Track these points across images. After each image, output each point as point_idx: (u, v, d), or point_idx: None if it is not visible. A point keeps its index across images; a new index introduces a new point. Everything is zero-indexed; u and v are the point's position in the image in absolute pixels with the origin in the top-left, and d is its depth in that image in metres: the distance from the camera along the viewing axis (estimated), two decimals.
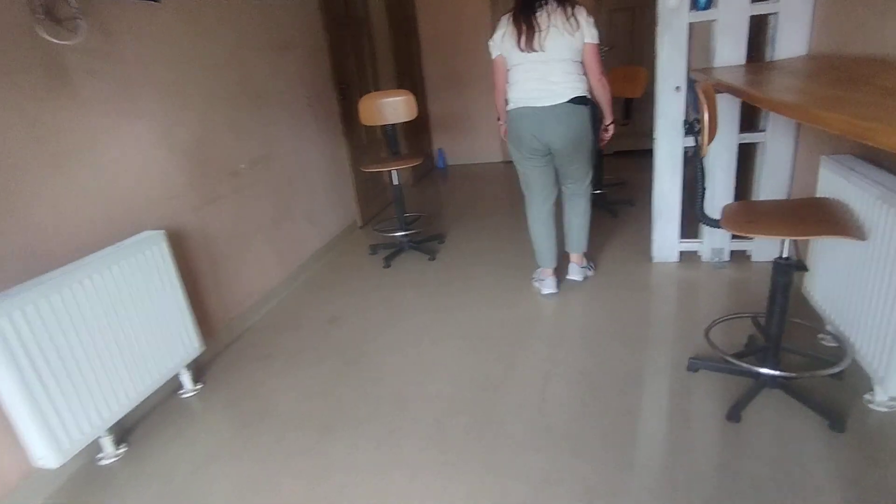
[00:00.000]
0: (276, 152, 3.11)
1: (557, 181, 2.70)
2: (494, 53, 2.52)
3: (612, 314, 2.48)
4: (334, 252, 3.71)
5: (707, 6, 2.40)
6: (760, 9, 2.36)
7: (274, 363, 2.42)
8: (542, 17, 2.31)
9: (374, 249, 3.62)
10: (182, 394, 2.26)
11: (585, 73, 2.41)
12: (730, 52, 2.44)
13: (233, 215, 2.71)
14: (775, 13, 2.35)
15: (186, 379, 2.25)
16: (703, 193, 1.75)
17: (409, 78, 5.25)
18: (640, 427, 1.76)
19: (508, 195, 4.69)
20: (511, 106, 2.50)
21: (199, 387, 2.29)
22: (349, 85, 3.97)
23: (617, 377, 2.03)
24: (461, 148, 6.03)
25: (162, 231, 2.11)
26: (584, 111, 2.41)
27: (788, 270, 1.68)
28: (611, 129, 2.66)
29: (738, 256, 2.86)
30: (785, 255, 1.68)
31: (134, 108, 2.13)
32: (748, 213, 1.67)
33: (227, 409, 2.14)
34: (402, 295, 2.95)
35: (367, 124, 3.40)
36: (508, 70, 2.49)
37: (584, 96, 2.40)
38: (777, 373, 1.76)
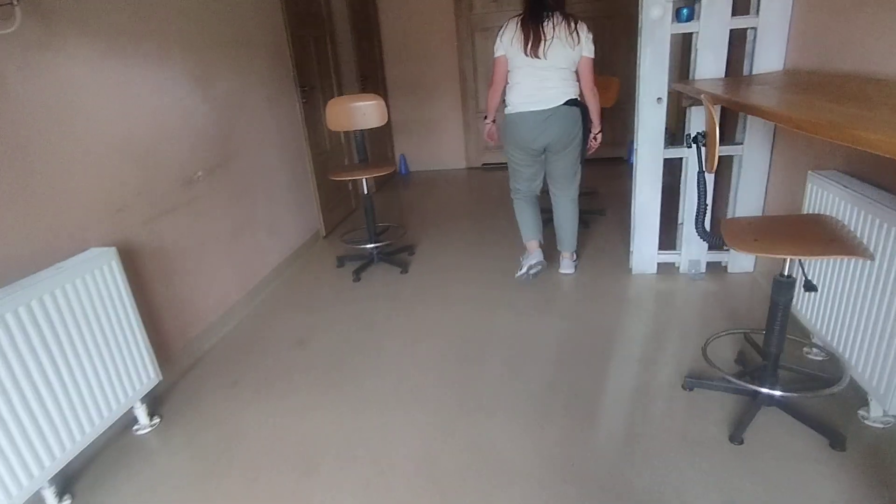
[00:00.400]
0: (235, 158, 2.88)
1: (542, 173, 2.93)
2: (499, 53, 2.68)
3: (598, 331, 2.42)
4: (297, 265, 3.49)
5: (689, 18, 2.39)
6: (740, 23, 2.37)
7: (241, 392, 2.20)
8: (548, 27, 2.51)
9: (340, 262, 3.43)
10: (137, 430, 2.00)
11: (578, 81, 2.64)
12: (710, 65, 2.44)
13: (188, 228, 2.47)
14: (754, 27, 2.37)
15: (141, 413, 2.00)
16: (706, 210, 1.71)
17: (372, 82, 5.08)
18: (643, 452, 1.68)
19: (475, 203, 4.60)
20: (511, 110, 2.69)
21: (155, 421, 2.04)
22: (312, 87, 3.76)
23: (612, 398, 1.95)
24: (424, 154, 5.90)
25: (112, 248, 1.86)
26: (576, 112, 2.65)
27: (791, 289, 1.65)
28: (599, 137, 2.85)
29: (714, 267, 2.88)
30: (787, 274, 1.65)
31: (76, 108, 1.88)
32: (749, 230, 1.63)
33: (189, 448, 1.91)
34: (376, 312, 2.79)
35: (336, 130, 3.21)
36: (509, 71, 2.66)
37: (576, 99, 2.64)
38: (780, 393, 1.74)
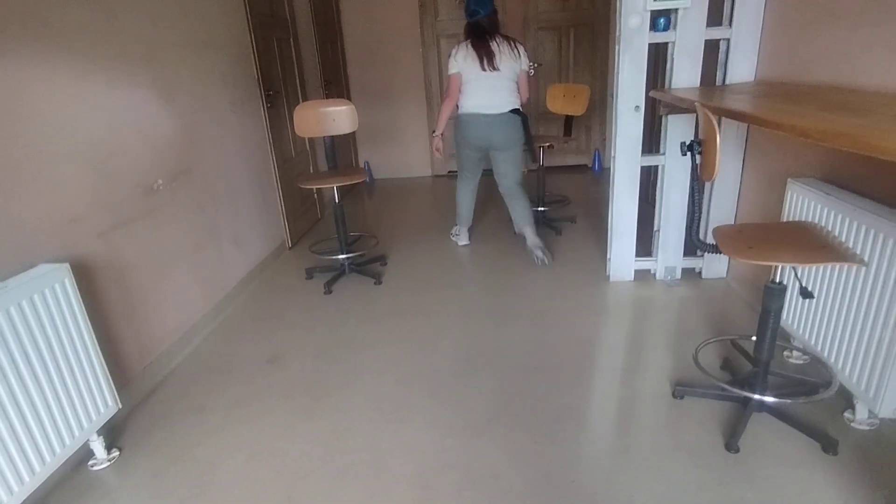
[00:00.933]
0: (198, 165, 2.70)
1: (481, 168, 3.46)
2: (453, 70, 3.12)
3: (582, 341, 2.39)
4: (264, 277, 3.32)
5: (666, 28, 2.42)
6: (715, 34, 2.41)
7: (210, 417, 2.03)
8: (494, 46, 3.05)
9: (309, 273, 3.28)
10: (93, 466, 1.81)
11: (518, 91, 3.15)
12: (686, 74, 2.47)
13: (148, 240, 2.28)
14: (727, 38, 2.42)
15: (98, 446, 1.81)
16: (700, 219, 1.70)
17: (336, 87, 4.95)
18: (640, 464, 1.65)
19: (444, 211, 4.53)
20: (464, 111, 3.15)
21: (114, 455, 1.85)
22: (276, 92, 3.60)
23: (604, 410, 1.92)
24: (389, 161, 5.79)
25: (65, 265, 1.67)
26: (517, 119, 3.15)
27: (782, 295, 1.66)
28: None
29: (689, 273, 2.92)
30: (778, 280, 1.66)
31: (23, 112, 1.69)
32: (741, 238, 1.63)
33: (153, 484, 1.73)
34: (351, 326, 2.66)
35: (304, 136, 3.08)
36: (463, 84, 3.12)
37: (518, 109, 3.15)
38: (774, 399, 1.74)
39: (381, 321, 2.68)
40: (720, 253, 1.63)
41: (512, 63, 3.05)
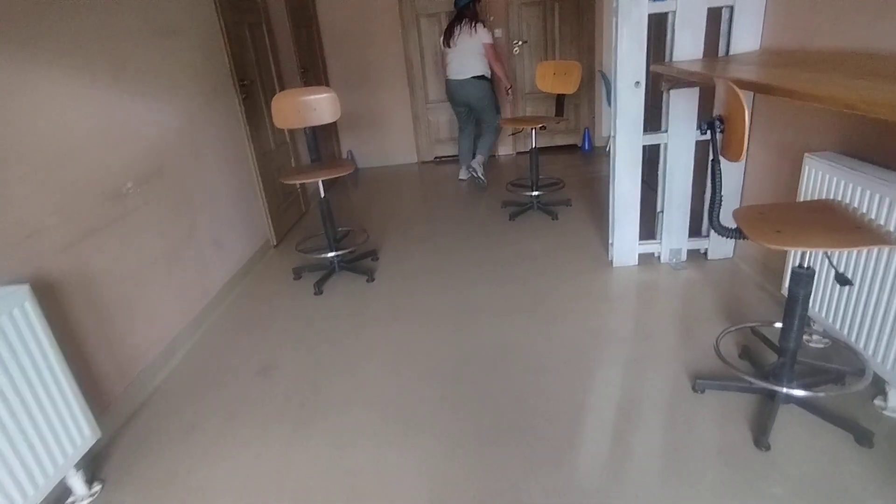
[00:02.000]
0: (171, 164, 2.50)
1: (471, 119, 4.51)
2: (441, 45, 4.30)
3: (590, 332, 2.28)
4: (249, 280, 3.14)
5: None
6: (718, 1, 2.27)
7: (200, 438, 1.88)
8: (456, 28, 4.08)
9: (297, 273, 3.11)
10: (73, 503, 1.65)
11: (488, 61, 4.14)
12: (688, 46, 2.33)
13: (120, 249, 2.10)
14: (730, 6, 2.28)
15: (77, 481, 1.65)
16: (721, 202, 1.57)
17: (314, 73, 4.72)
18: (669, 466, 1.54)
19: (433, 199, 4.37)
20: (446, 78, 4.27)
21: (96, 489, 1.69)
22: (251, 81, 3.39)
23: (623, 408, 1.80)
24: (372, 149, 5.59)
25: (25, 286, 1.50)
26: (482, 83, 4.18)
27: (811, 281, 1.55)
28: (510, 92, 4.48)
29: (694, 255, 2.81)
30: (806, 265, 1.55)
31: None
32: (766, 221, 1.51)
33: None
34: (346, 328, 2.52)
35: (283, 127, 2.89)
36: (443, 57, 4.28)
37: (482, 75, 4.15)
38: (804, 393, 1.64)
39: (378, 321, 2.54)
40: (744, 238, 1.51)
41: (468, 39, 4.03)
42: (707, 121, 1.47)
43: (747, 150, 1.32)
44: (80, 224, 1.89)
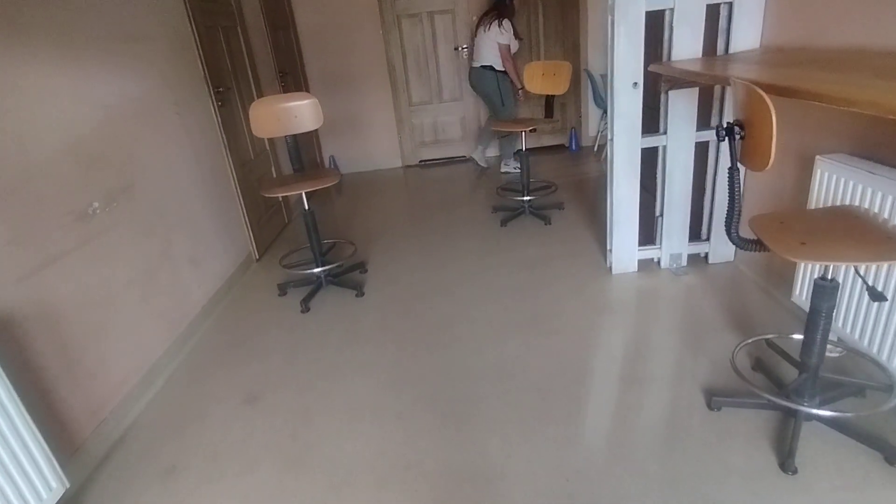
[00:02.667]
0: (142, 180, 2.33)
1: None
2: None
3: (595, 347, 2.17)
4: (231, 298, 2.97)
5: None
6: None
7: (182, 480, 1.73)
8: (486, 19, 4.30)
9: (282, 290, 2.95)
10: None
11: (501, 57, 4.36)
12: (687, 44, 2.24)
13: (87, 276, 1.93)
14: (730, 2, 2.19)
15: None
16: (740, 212, 1.47)
17: (293, 78, 4.55)
18: (692, 492, 1.44)
19: (420, 206, 4.24)
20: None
21: None
22: (227, 88, 3.22)
23: (638, 429, 1.70)
24: (355, 154, 5.43)
25: None
26: (490, 73, 4.39)
27: (835, 294, 1.46)
28: (521, 93, 4.51)
29: (694, 259, 2.73)
30: (830, 277, 1.46)
31: None
32: (788, 231, 1.41)
33: None
34: (337, 347, 2.37)
35: (262, 136, 2.73)
36: None
37: (491, 66, 4.36)
38: (831, 413, 1.55)
39: (371, 340, 2.40)
40: (766, 251, 1.41)
41: (488, 32, 4.26)
42: (726, 126, 1.37)
43: (773, 156, 1.21)
44: (39, 251, 1.72)
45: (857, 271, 1.62)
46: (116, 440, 1.94)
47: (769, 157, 1.22)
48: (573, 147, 5.33)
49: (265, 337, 2.53)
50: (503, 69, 4.36)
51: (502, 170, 4.84)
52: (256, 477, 1.70)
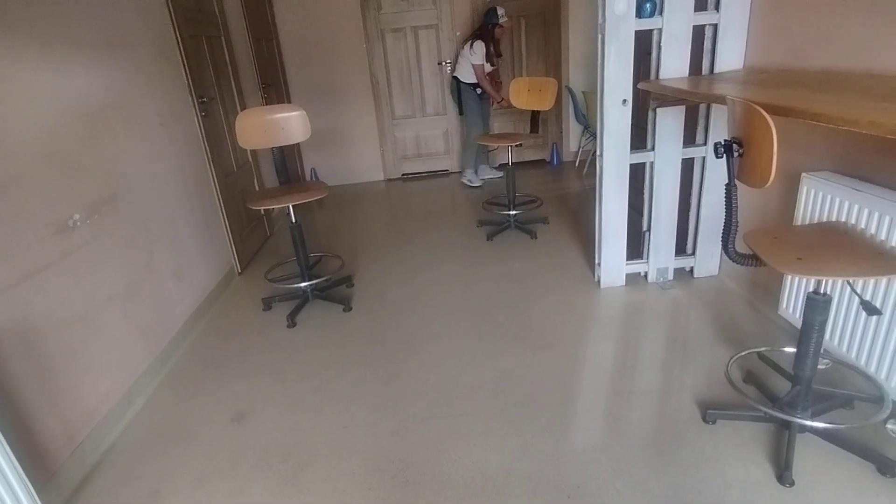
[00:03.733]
0: (125, 192, 2.25)
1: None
2: None
3: (587, 361, 2.18)
4: (214, 312, 2.89)
5: (652, 13, 2.23)
6: (703, 19, 2.25)
7: None
8: (468, 41, 4.52)
9: (267, 304, 2.88)
10: None
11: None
12: (675, 63, 2.30)
13: (67, 290, 1.85)
14: (715, 24, 2.26)
15: None
16: (736, 228, 1.50)
17: (276, 89, 4.50)
18: None
19: (404, 219, 4.22)
20: None
21: None
22: (211, 98, 3.16)
23: (634, 444, 1.70)
24: (337, 167, 5.39)
25: None
26: (455, 83, 4.67)
27: (827, 308, 1.50)
28: (500, 104, 4.72)
29: (680, 273, 2.77)
30: (822, 291, 1.49)
31: None
32: (782, 246, 1.45)
33: None
34: (325, 363, 2.32)
35: (248, 147, 2.68)
36: None
37: (457, 77, 4.63)
38: (825, 425, 1.58)
39: (361, 355, 2.35)
40: (762, 265, 1.44)
41: (464, 52, 4.53)
42: (724, 143, 1.40)
43: (773, 174, 1.24)
44: (16, 265, 1.64)
45: (850, 286, 1.66)
46: (95, 463, 1.85)
47: (769, 175, 1.25)
48: (554, 162, 5.40)
49: (251, 353, 2.46)
50: (469, 82, 4.56)
51: (464, 180, 4.95)
52: (248, 499, 1.64)
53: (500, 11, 4.38)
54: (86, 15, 2.12)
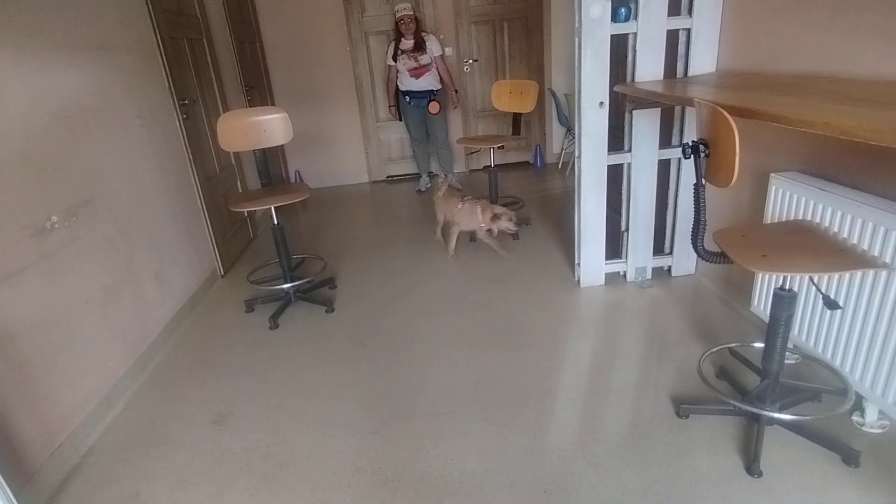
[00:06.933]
0: (104, 194, 2.25)
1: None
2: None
3: (565, 359, 2.21)
4: (196, 315, 2.88)
5: (627, 18, 2.27)
6: (676, 23, 2.30)
7: None
8: None
9: (249, 306, 2.88)
10: None
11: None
12: (649, 66, 2.35)
13: (44, 292, 1.84)
14: (688, 29, 2.32)
15: None
16: (705, 226, 1.54)
17: (259, 92, 4.50)
18: (665, 500, 1.48)
19: (388, 221, 4.24)
20: None
21: None
22: (192, 101, 3.15)
23: (609, 438, 1.73)
24: (321, 169, 5.39)
25: None
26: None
27: (793, 303, 1.54)
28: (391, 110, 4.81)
29: (658, 272, 2.82)
30: (787, 287, 1.54)
31: None
32: (750, 245, 1.49)
33: None
34: (307, 364, 2.33)
35: (230, 150, 2.68)
36: None
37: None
38: (791, 417, 1.63)
39: (342, 356, 2.37)
40: (730, 263, 1.48)
41: None
42: (691, 144, 1.44)
43: (736, 173, 1.28)
44: None
45: (812, 282, 1.72)
46: (74, 466, 1.84)
47: (733, 174, 1.29)
48: (538, 164, 5.46)
49: (233, 354, 2.46)
50: (402, 89, 4.55)
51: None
52: (228, 500, 1.65)
53: (397, 7, 4.31)
54: (66, 16, 2.12)
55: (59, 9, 2.08)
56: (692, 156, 1.46)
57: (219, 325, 2.75)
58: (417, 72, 4.42)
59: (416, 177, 5.26)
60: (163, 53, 2.85)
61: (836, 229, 1.65)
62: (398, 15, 4.28)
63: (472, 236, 3.58)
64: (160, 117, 2.81)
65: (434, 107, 4.51)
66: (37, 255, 1.82)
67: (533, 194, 4.52)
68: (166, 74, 2.88)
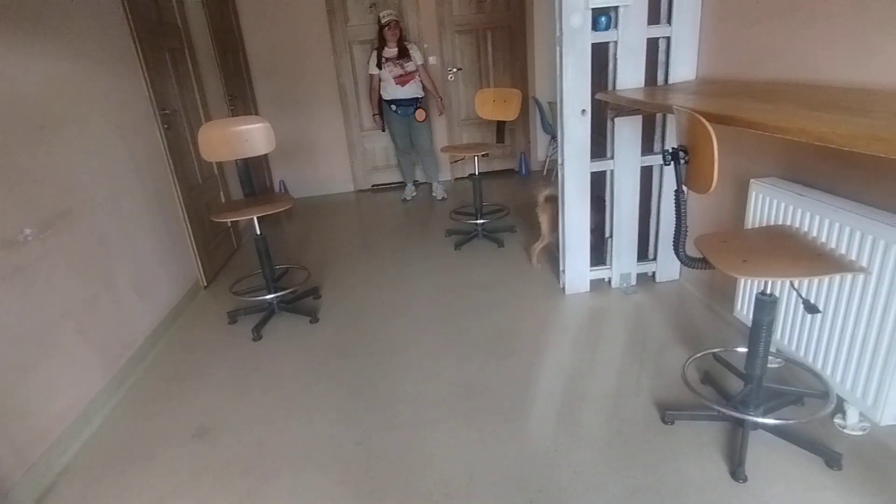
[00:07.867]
0: (81, 206, 2.21)
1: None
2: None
3: (551, 366, 2.21)
4: (178, 327, 2.83)
5: (607, 27, 2.30)
6: (656, 32, 2.33)
7: None
8: None
9: (232, 317, 2.84)
10: None
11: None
12: (630, 74, 2.37)
13: (17, 307, 1.79)
14: (667, 37, 2.35)
15: None
16: (686, 232, 1.55)
17: (242, 101, 4.47)
18: None
19: (373, 230, 4.22)
20: None
21: None
22: (174, 111, 3.12)
23: (595, 446, 1.73)
24: (306, 178, 5.36)
25: None
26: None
27: (774, 307, 1.56)
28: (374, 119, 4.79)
29: (642, 278, 2.84)
30: (769, 292, 1.55)
31: None
32: (730, 250, 1.50)
33: None
34: (291, 375, 2.30)
35: (212, 160, 2.66)
36: None
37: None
38: (775, 421, 1.63)
39: (326, 367, 2.34)
40: (711, 268, 1.49)
41: None
42: (671, 151, 1.45)
43: (717, 181, 1.29)
44: None
45: (793, 286, 1.73)
46: (49, 485, 1.79)
47: (712, 180, 1.30)
48: (522, 171, 5.48)
49: (215, 367, 2.42)
50: (385, 98, 4.53)
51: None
52: None
53: (382, 13, 4.32)
54: (43, 25, 2.09)
55: (35, 17, 2.05)
56: (672, 162, 1.47)
57: (201, 338, 2.71)
58: (403, 79, 4.41)
59: (401, 186, 5.25)
60: (143, 63, 2.81)
61: (814, 234, 1.67)
62: (384, 20, 4.28)
63: (457, 244, 3.58)
64: (141, 127, 2.77)
65: (420, 114, 4.52)
66: (11, 268, 1.77)
67: (517, 201, 4.53)
68: (147, 84, 2.85)
